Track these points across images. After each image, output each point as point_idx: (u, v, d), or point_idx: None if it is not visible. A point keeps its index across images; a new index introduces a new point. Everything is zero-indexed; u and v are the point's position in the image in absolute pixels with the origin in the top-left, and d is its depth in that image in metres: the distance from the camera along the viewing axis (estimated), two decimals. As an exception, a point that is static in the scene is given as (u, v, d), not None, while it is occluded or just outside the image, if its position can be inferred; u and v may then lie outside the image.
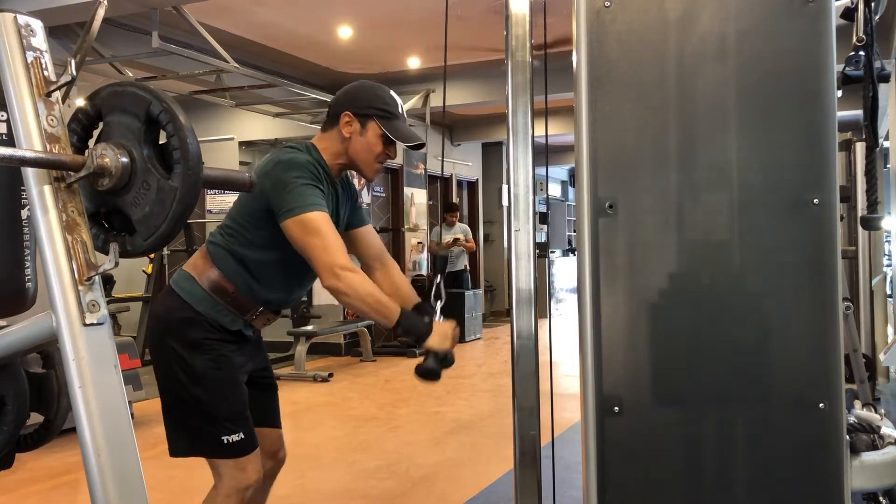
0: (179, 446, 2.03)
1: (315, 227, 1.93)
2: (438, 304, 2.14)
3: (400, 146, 2.17)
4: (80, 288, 1.10)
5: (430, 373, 1.98)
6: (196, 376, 1.98)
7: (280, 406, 2.31)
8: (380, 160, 2.16)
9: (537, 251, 1.64)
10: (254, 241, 2.04)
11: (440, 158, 10.74)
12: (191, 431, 2.01)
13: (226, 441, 1.97)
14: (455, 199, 11.31)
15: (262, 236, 2.02)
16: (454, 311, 9.51)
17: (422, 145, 2.16)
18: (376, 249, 2.31)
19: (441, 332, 2.00)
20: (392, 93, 2.17)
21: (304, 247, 1.95)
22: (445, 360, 2.02)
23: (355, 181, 2.42)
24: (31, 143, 1.11)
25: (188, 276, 2.07)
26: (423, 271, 10.08)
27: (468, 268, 10.17)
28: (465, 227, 10.00)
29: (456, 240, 9.59)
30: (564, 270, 12.62)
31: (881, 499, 2.32)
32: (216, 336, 2.03)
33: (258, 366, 2.20)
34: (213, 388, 2.00)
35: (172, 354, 2.00)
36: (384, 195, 9.55)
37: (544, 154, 2.02)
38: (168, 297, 2.08)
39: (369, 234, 2.31)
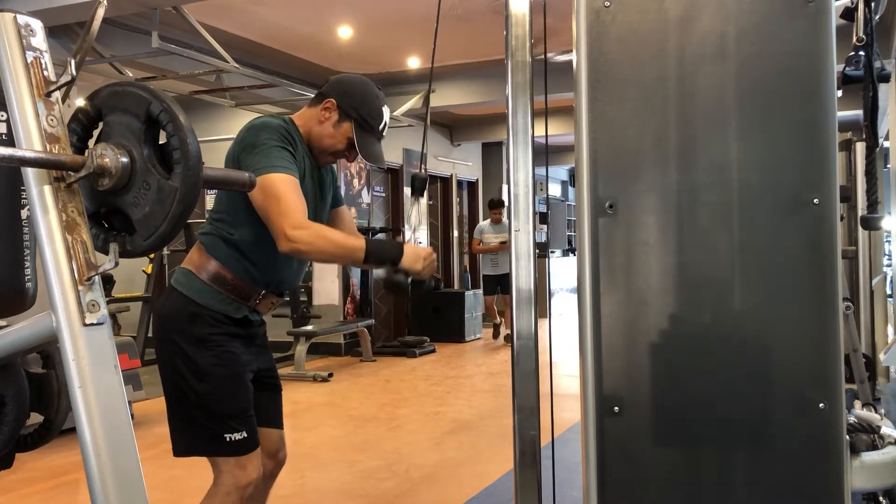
0: (183, 445, 2.02)
1: (274, 192, 1.90)
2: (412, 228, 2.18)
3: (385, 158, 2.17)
4: (80, 288, 1.09)
5: (396, 285, 2.02)
6: (201, 373, 1.97)
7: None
8: (335, 156, 2.17)
9: (537, 251, 1.64)
10: (238, 220, 2.03)
11: (441, 158, 10.75)
12: (194, 429, 2.00)
13: (228, 439, 1.96)
14: (455, 199, 11.24)
15: (244, 212, 2.00)
16: (455, 311, 9.30)
17: (382, 169, 2.18)
18: (349, 229, 2.34)
19: (412, 251, 2.03)
20: (384, 107, 2.17)
21: (263, 214, 1.93)
22: (421, 285, 2.08)
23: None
24: (31, 143, 1.11)
25: (186, 271, 2.07)
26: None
27: (462, 271, 9.94)
28: None
29: (503, 243, 9.17)
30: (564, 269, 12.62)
31: (881, 499, 2.32)
32: (221, 330, 2.02)
33: (264, 365, 2.19)
34: (217, 384, 1.99)
35: (177, 350, 1.99)
36: (384, 195, 9.55)
37: (544, 154, 2.02)
38: (170, 295, 2.07)
39: (345, 215, 2.35)
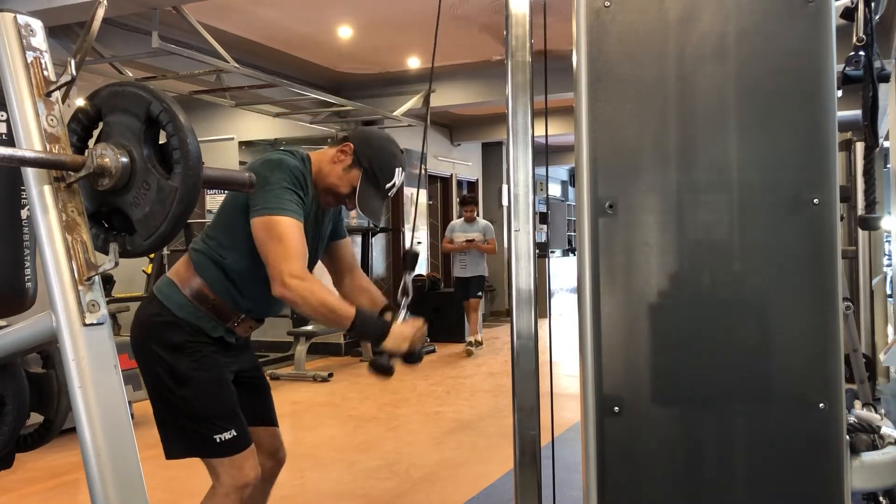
0: (173, 449, 2.03)
1: (279, 233, 1.91)
2: (405, 301, 2.16)
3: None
4: (80, 288, 1.09)
5: (381, 368, 1.99)
6: (181, 378, 1.99)
7: (280, 406, 2.31)
8: (337, 200, 2.16)
9: (537, 251, 1.64)
10: (234, 245, 2.04)
11: (441, 158, 10.75)
12: (182, 433, 2.01)
13: (218, 439, 1.97)
14: (456, 199, 11.16)
15: (243, 240, 2.01)
16: (455, 311, 9.15)
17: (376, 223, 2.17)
18: (348, 262, 2.34)
19: (398, 333, 2.00)
20: (398, 169, 2.15)
21: (263, 251, 1.94)
22: (412, 356, 2.04)
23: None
24: (31, 143, 1.11)
25: (171, 282, 2.08)
26: (423, 271, 10.07)
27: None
28: (488, 223, 8.68)
29: (469, 241, 8.31)
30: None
31: (881, 499, 2.32)
32: (198, 339, 2.04)
33: (246, 366, 2.20)
34: (198, 388, 2.00)
35: (156, 359, 2.00)
36: (385, 196, 9.53)
37: (544, 154, 2.02)
38: (150, 304, 2.09)
39: (345, 248, 2.34)
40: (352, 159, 2.11)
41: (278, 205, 1.93)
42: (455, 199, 11.17)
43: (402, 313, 2.11)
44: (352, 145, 2.11)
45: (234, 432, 1.99)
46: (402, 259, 2.21)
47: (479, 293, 8.59)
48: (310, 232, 2.06)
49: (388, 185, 2.15)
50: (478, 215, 8.76)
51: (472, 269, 8.45)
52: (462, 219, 8.67)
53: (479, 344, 8.45)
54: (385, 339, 1.97)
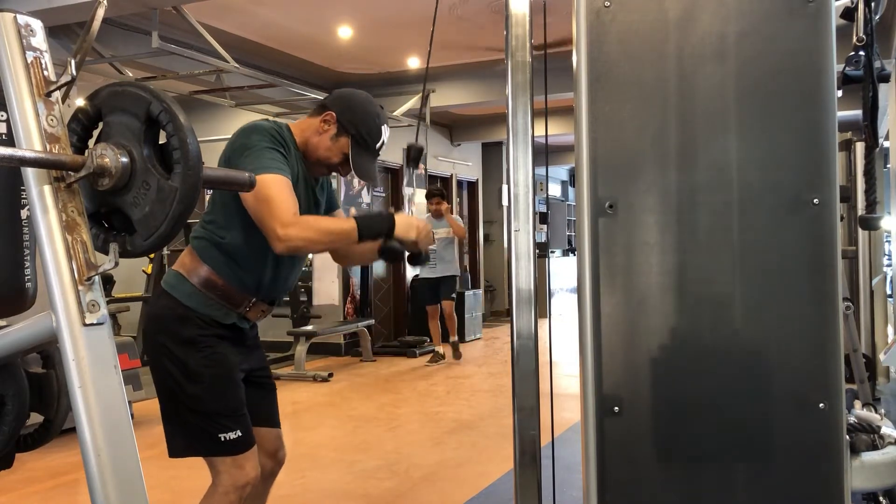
0: (178, 446, 2.03)
1: (266, 194, 1.89)
2: (408, 192, 2.20)
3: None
4: (80, 288, 1.09)
5: (391, 251, 2.05)
6: (191, 374, 1.98)
7: (280, 406, 2.31)
8: (329, 169, 2.17)
9: (537, 251, 1.64)
10: (229, 223, 2.04)
11: (441, 158, 10.74)
12: (188, 430, 2.01)
13: (223, 438, 1.97)
14: (455, 199, 11.11)
15: (236, 215, 2.01)
16: (455, 311, 9.08)
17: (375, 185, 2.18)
18: None
19: (405, 221, 2.05)
20: (383, 126, 2.17)
21: (256, 216, 1.93)
22: (418, 257, 2.10)
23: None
24: (31, 143, 1.11)
25: (178, 274, 2.08)
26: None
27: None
28: (457, 216, 8.24)
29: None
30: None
31: (881, 499, 2.33)
32: (210, 332, 2.03)
33: (255, 365, 2.20)
34: (208, 385, 1.99)
35: (167, 353, 2.00)
36: (384, 195, 9.56)
37: (544, 154, 2.02)
38: (160, 298, 2.09)
39: (341, 217, 2.33)
40: (336, 128, 2.11)
41: (259, 165, 1.91)
42: (455, 199, 11.16)
43: (407, 211, 2.15)
44: (333, 114, 2.11)
45: (239, 432, 1.99)
46: (405, 152, 2.24)
47: (454, 295, 7.97)
48: (302, 196, 2.04)
49: (378, 146, 2.17)
50: (451, 211, 7.95)
51: (442, 268, 7.73)
52: (429, 214, 7.79)
53: (441, 357, 7.82)
54: (394, 229, 2.03)
